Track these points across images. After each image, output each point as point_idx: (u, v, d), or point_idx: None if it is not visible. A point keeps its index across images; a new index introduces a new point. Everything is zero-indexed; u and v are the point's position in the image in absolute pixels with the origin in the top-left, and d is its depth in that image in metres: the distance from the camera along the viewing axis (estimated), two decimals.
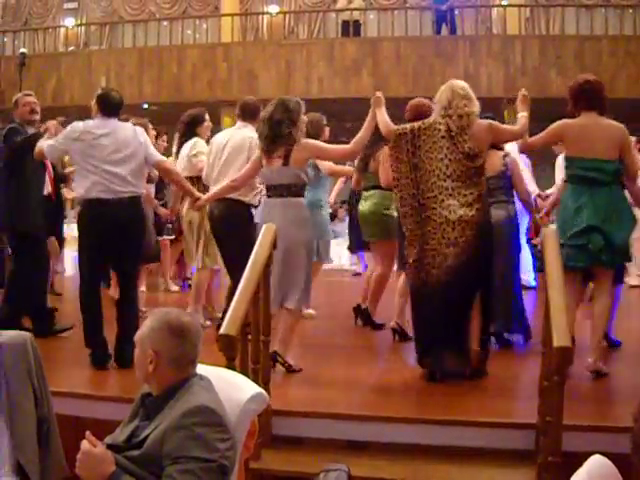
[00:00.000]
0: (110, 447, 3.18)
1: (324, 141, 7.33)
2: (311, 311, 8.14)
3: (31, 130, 7.24)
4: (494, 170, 6.77)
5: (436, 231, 5.68)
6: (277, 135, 5.96)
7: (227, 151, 7.26)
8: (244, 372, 4.25)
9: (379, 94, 6.17)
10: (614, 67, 17.45)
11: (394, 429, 4.91)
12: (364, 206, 7.71)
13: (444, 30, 19.14)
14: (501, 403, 5.34)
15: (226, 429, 3.07)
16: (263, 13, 22.99)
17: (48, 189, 8.34)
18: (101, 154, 6.14)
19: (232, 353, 4.16)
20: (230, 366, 4.06)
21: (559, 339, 3.99)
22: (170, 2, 23.75)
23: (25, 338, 4.13)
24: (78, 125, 6.32)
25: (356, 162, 7.92)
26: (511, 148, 7.33)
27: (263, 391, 3.37)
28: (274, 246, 5.26)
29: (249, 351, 4.60)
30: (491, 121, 6.04)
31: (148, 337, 3.25)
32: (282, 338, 6.02)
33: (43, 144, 6.57)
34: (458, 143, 5.75)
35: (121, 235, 6.17)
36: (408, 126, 5.94)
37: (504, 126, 6.24)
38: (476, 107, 5.90)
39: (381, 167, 7.12)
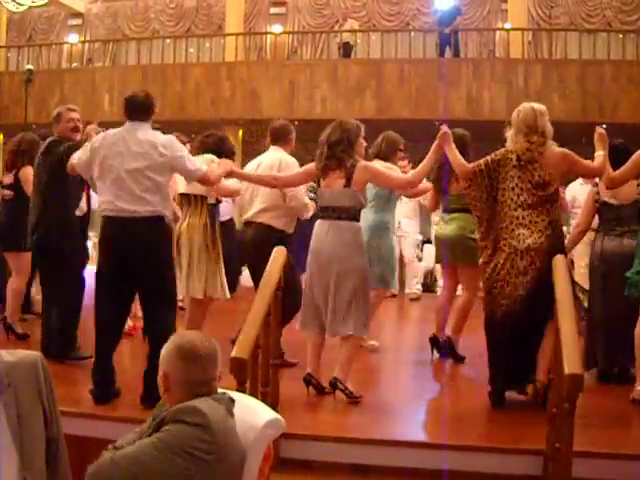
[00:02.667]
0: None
1: (394, 163, 7.27)
2: (374, 342, 7.74)
3: None
4: (628, 199, 6.51)
5: (505, 262, 5.61)
6: (334, 156, 5.83)
7: (258, 173, 6.93)
8: (253, 395, 4.25)
9: (446, 129, 6.02)
10: (616, 92, 17.51)
11: (402, 453, 4.90)
12: (446, 229, 7.40)
13: (447, 53, 19.20)
14: (509, 429, 5.33)
15: (211, 433, 3.08)
16: (267, 33, 23.10)
17: (83, 209, 7.67)
18: (115, 167, 5.63)
19: (243, 376, 4.16)
20: (241, 389, 4.06)
21: (570, 366, 3.99)
22: (174, 20, 23.87)
23: (36, 358, 4.12)
24: (102, 134, 5.93)
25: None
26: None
27: (279, 416, 3.36)
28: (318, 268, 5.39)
29: (259, 374, 4.61)
30: (566, 150, 5.84)
31: (163, 358, 3.30)
32: (342, 365, 5.82)
33: (73, 157, 6.18)
34: (527, 172, 5.65)
35: (137, 256, 5.62)
36: (482, 162, 5.81)
37: (581, 159, 5.95)
38: (547, 136, 5.75)
39: None
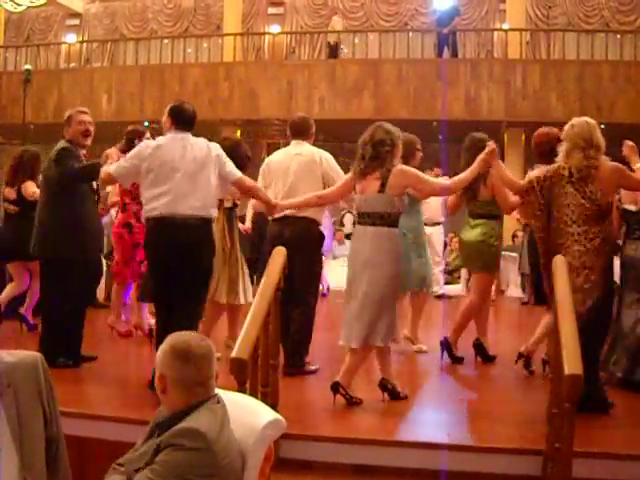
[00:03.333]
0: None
1: (414, 166, 7.04)
2: (422, 346, 7.89)
3: (82, 152, 6.92)
4: None
5: None
6: (378, 155, 5.73)
7: (294, 170, 6.81)
8: (253, 395, 4.26)
9: (493, 145, 5.98)
10: (614, 92, 17.55)
11: (402, 454, 4.90)
12: (470, 235, 7.36)
13: (446, 53, 19.21)
14: (508, 429, 5.34)
15: (211, 455, 3.08)
16: (265, 33, 23.10)
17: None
18: (173, 172, 5.78)
19: (243, 377, 4.16)
20: (241, 390, 4.06)
21: (570, 367, 3.99)
22: (172, 20, 23.86)
23: (36, 358, 4.12)
24: (150, 142, 6.06)
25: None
26: None
27: (280, 417, 3.37)
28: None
29: (258, 375, 4.61)
30: (618, 165, 5.76)
31: (158, 360, 3.31)
32: (384, 370, 5.91)
33: (109, 168, 6.18)
34: (582, 187, 5.57)
35: (184, 260, 5.75)
36: (533, 178, 5.74)
37: (632, 174, 5.88)
38: (602, 150, 5.67)
39: (498, 195, 6.89)
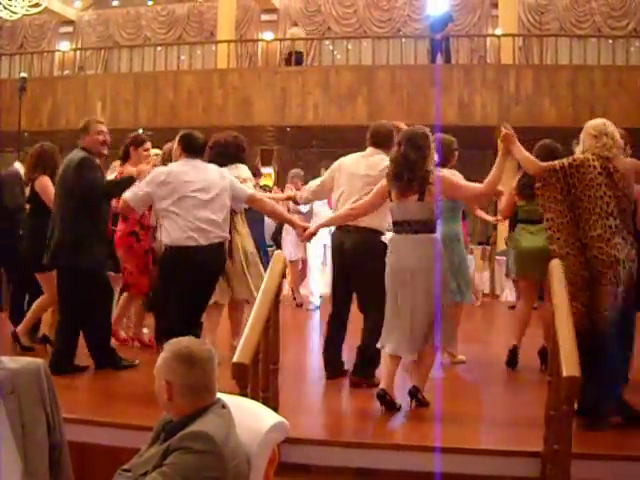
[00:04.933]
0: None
1: (451, 167, 7.10)
2: (462, 357, 7.59)
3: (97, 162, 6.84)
4: None
5: (607, 271, 5.42)
6: (415, 178, 5.64)
7: (364, 178, 6.58)
8: (254, 399, 4.29)
9: (508, 128, 5.82)
10: (606, 97, 17.56)
11: (402, 457, 4.93)
12: (531, 241, 7.14)
13: (439, 59, 19.26)
14: (507, 431, 5.38)
15: (220, 458, 3.11)
16: (258, 40, 23.13)
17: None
18: (189, 198, 5.99)
19: (245, 381, 4.20)
20: (243, 394, 4.10)
21: (568, 369, 4.04)
22: (165, 28, 23.92)
23: (39, 365, 4.14)
24: (162, 169, 6.20)
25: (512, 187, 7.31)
26: None
27: (284, 420, 3.41)
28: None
29: (259, 379, 4.64)
30: (635, 161, 5.76)
31: (161, 368, 3.35)
32: (421, 377, 5.84)
33: (125, 194, 6.33)
34: (613, 180, 5.51)
35: (209, 283, 6.16)
36: (557, 163, 5.62)
37: None
38: (620, 147, 5.64)
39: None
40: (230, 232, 6.66)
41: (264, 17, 23.65)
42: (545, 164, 5.66)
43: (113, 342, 7.71)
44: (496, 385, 6.91)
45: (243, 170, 7.26)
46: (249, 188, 6.72)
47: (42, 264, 7.07)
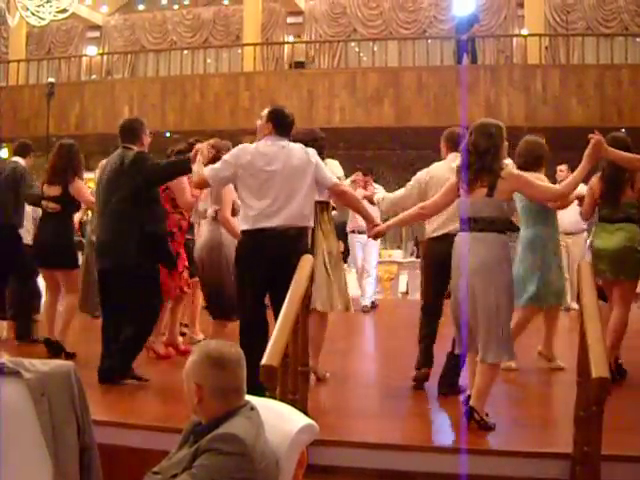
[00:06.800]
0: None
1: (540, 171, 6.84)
2: (560, 362, 7.26)
3: None
4: None
5: None
6: (484, 167, 5.31)
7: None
8: (283, 402, 4.29)
9: (597, 136, 5.59)
10: (634, 95, 17.45)
11: (429, 458, 4.92)
12: (611, 240, 6.77)
13: (465, 59, 19.23)
14: (536, 433, 5.36)
15: (249, 460, 3.12)
16: (285, 43, 23.19)
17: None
18: (270, 181, 5.69)
19: (273, 383, 4.21)
20: (272, 396, 4.11)
21: (597, 370, 4.01)
22: (191, 32, 24.02)
23: (69, 368, 4.17)
24: (249, 146, 5.87)
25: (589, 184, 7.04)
26: None
27: (313, 422, 3.42)
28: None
29: (288, 382, 4.65)
30: None
31: (191, 371, 3.35)
32: (480, 392, 5.28)
33: (201, 171, 5.93)
34: None
35: (281, 271, 5.49)
36: None
37: None
38: None
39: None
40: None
41: (290, 19, 23.70)
42: None
43: (153, 355, 7.59)
44: (525, 386, 6.87)
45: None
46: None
47: (69, 262, 7.10)
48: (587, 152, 5.54)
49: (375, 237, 6.43)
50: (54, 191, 7.66)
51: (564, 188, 5.62)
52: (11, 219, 8.28)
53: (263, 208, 5.67)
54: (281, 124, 5.90)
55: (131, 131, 6.75)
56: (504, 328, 5.26)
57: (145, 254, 6.43)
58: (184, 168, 6.30)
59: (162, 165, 6.57)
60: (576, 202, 7.31)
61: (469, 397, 5.34)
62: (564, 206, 7.20)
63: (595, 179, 6.91)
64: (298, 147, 5.86)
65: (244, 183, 5.78)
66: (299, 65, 21.69)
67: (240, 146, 5.93)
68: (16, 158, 8.52)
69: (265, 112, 6.03)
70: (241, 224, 5.88)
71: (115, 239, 6.47)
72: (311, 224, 5.92)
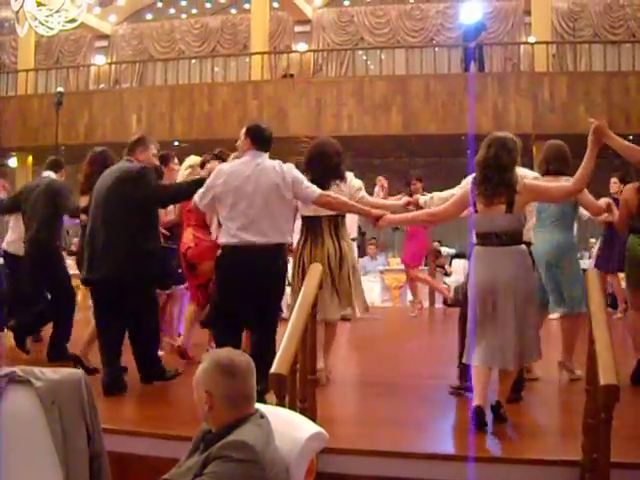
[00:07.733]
0: None
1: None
2: (578, 371, 6.98)
3: None
4: None
5: None
6: (503, 183, 5.31)
7: None
8: (292, 410, 4.30)
9: (597, 121, 5.45)
10: None
11: (439, 466, 4.91)
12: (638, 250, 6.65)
13: (472, 67, 19.26)
14: (544, 440, 5.35)
15: (259, 467, 3.13)
16: (292, 51, 23.24)
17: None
18: (247, 198, 5.84)
19: (282, 392, 4.22)
20: (281, 404, 4.12)
21: (606, 377, 4.01)
22: (199, 41, 24.10)
23: (79, 375, 4.19)
24: (224, 168, 6.02)
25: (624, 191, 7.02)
26: None
27: (323, 430, 3.43)
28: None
29: (297, 390, 4.66)
30: None
31: (202, 379, 3.37)
32: (503, 393, 5.56)
33: (195, 196, 6.16)
34: None
35: (259, 287, 5.83)
36: None
37: None
38: None
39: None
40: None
41: (297, 28, 23.78)
42: None
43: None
44: (534, 393, 6.86)
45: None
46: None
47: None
48: (589, 138, 5.44)
49: (379, 228, 6.34)
50: (84, 201, 7.28)
51: (576, 183, 5.52)
52: (46, 234, 7.93)
53: (240, 225, 5.85)
54: (259, 139, 6.09)
55: (136, 143, 6.71)
56: (534, 332, 5.49)
57: (136, 268, 6.39)
58: (197, 188, 6.28)
59: (184, 186, 6.73)
60: (604, 215, 7.24)
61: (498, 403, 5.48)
62: (598, 213, 7.09)
63: (630, 190, 6.85)
64: (273, 165, 5.98)
65: (221, 203, 5.97)
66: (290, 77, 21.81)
67: (216, 169, 6.17)
68: (48, 173, 8.27)
69: (243, 129, 6.21)
70: (220, 238, 6.09)
71: (109, 251, 6.41)
72: (289, 240, 6.12)
